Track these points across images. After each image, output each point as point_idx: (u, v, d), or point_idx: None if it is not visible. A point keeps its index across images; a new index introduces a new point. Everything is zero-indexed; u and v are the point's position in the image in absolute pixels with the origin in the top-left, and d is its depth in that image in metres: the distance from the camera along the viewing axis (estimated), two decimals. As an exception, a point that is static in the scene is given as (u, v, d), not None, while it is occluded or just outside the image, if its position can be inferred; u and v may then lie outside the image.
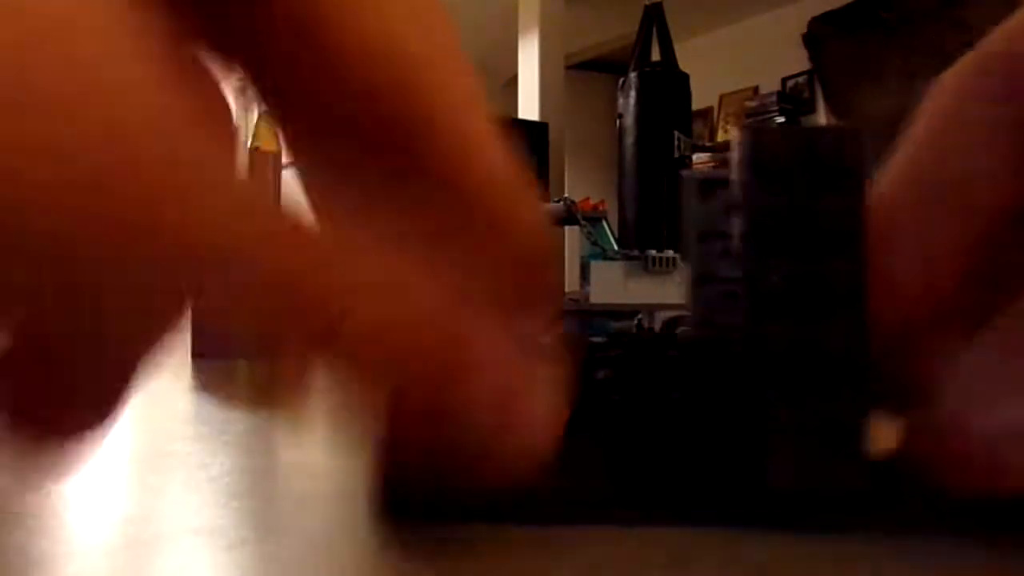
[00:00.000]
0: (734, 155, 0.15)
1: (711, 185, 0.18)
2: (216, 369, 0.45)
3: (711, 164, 3.80)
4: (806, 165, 0.15)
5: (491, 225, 0.12)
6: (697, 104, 2.99)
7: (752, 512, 0.14)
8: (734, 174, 0.15)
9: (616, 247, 0.51)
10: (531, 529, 0.15)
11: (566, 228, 2.97)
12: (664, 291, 0.52)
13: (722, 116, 3.97)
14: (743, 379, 0.15)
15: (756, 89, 3.75)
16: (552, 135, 3.05)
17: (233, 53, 0.13)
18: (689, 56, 2.97)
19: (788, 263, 0.15)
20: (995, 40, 0.16)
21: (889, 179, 0.16)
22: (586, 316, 1.42)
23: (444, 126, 0.12)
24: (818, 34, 3.43)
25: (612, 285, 0.56)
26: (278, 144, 0.58)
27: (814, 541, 0.14)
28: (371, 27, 0.11)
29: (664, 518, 0.15)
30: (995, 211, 0.15)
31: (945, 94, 0.16)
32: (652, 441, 0.15)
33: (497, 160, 0.12)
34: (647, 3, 2.64)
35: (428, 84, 0.11)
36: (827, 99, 3.43)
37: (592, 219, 0.53)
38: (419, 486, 0.14)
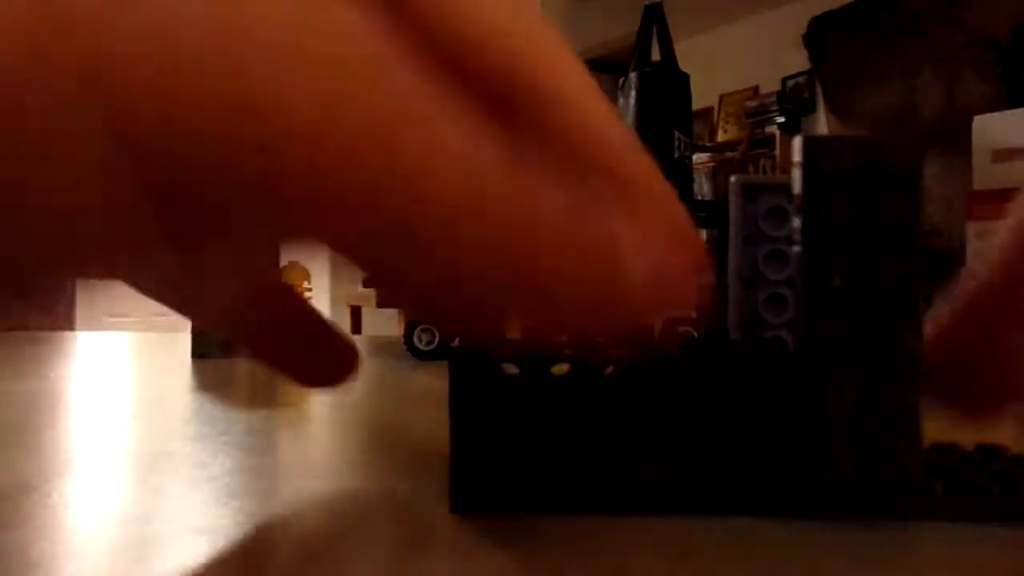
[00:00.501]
0: (795, 161, 0.16)
1: (757, 189, 0.19)
2: (216, 369, 0.45)
3: (711, 163, 3.80)
4: (868, 173, 0.15)
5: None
6: (697, 104, 2.98)
7: (812, 503, 0.15)
8: (795, 181, 0.16)
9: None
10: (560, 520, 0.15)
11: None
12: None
13: (722, 116, 3.97)
14: (799, 376, 0.16)
15: (756, 89, 3.75)
16: (552, 135, 3.05)
17: None
18: (689, 56, 2.97)
19: (850, 265, 0.16)
20: None
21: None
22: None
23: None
24: (818, 34, 3.43)
25: (612, 285, 0.56)
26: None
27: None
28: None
29: (727, 508, 0.15)
30: None
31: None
32: (715, 435, 0.16)
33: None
34: (647, 3, 2.64)
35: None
36: (827, 99, 3.43)
37: (592, 219, 0.53)
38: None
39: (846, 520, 0.15)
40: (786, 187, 0.17)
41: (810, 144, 0.16)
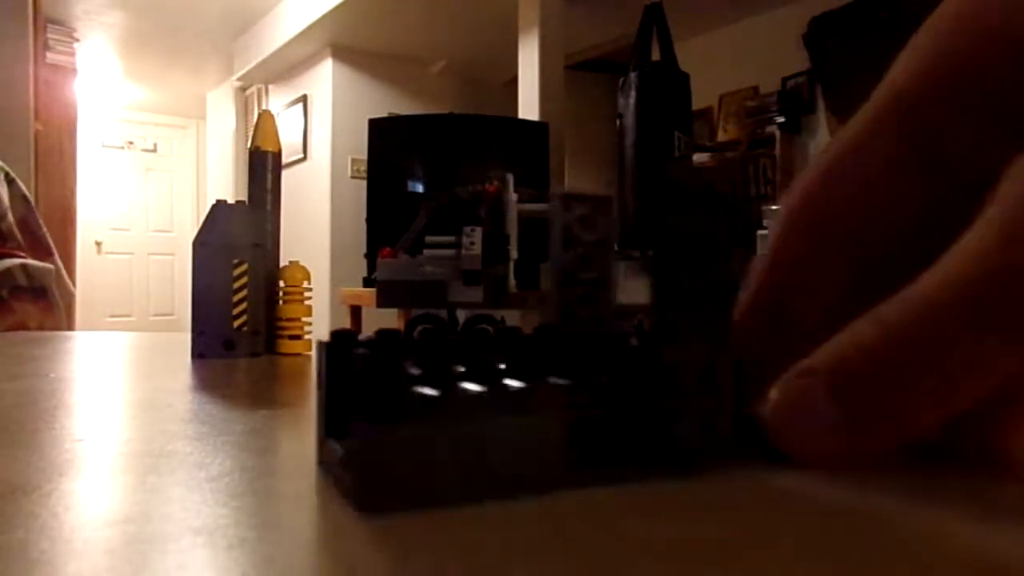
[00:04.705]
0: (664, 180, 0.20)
1: (574, 199, 0.22)
2: (216, 369, 0.45)
3: (711, 163, 3.80)
4: (705, 194, 0.19)
5: None
6: (697, 104, 2.98)
7: (666, 468, 0.18)
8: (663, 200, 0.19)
9: (616, 247, 0.51)
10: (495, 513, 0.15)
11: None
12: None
13: (722, 116, 3.97)
14: (655, 357, 0.19)
15: (756, 89, 3.75)
16: (552, 135, 3.05)
17: None
18: (689, 56, 2.97)
19: (690, 268, 0.19)
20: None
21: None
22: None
23: None
24: (818, 34, 3.43)
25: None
26: (278, 144, 0.58)
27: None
28: None
29: (599, 480, 0.18)
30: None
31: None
32: (594, 416, 0.18)
33: None
34: (647, 3, 2.63)
35: None
36: (827, 99, 3.43)
37: (592, 219, 0.53)
38: None
39: (688, 475, 0.18)
40: (596, 198, 0.21)
41: (671, 167, 0.20)
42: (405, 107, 4.27)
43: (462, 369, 0.18)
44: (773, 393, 0.17)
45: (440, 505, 0.16)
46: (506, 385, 0.17)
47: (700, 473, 0.18)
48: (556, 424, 0.17)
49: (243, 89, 5.22)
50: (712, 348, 0.19)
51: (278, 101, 4.75)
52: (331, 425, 0.19)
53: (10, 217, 0.99)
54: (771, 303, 0.20)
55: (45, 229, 1.06)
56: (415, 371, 0.17)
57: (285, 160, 1.51)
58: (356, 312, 2.65)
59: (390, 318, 2.34)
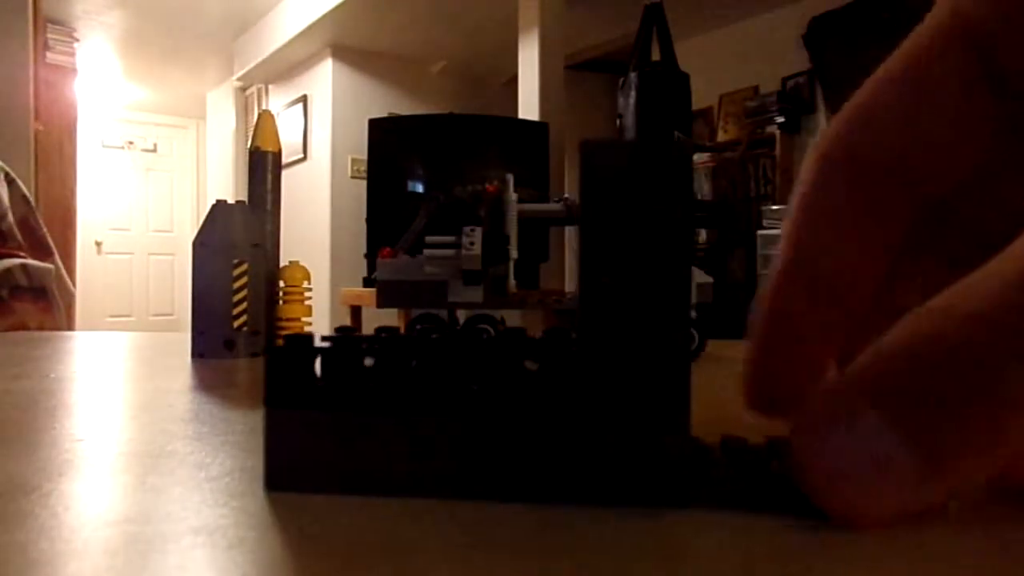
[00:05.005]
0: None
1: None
2: (216, 369, 0.45)
3: (711, 163, 3.80)
4: (636, 174, 0.16)
5: None
6: (697, 104, 2.98)
7: (588, 490, 0.16)
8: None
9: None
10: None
11: (566, 228, 2.98)
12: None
13: (722, 116, 3.97)
14: (580, 369, 0.16)
15: (756, 89, 3.75)
16: (552, 135, 3.05)
17: None
18: (689, 56, 2.97)
19: (619, 263, 0.16)
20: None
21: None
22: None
23: None
24: (818, 34, 3.43)
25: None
26: (278, 144, 0.58)
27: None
28: None
29: (508, 495, 0.16)
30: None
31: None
32: (506, 427, 0.17)
33: None
34: (647, 3, 2.63)
35: None
36: (827, 99, 3.43)
37: (592, 219, 0.53)
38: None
39: (621, 505, 0.16)
40: None
41: (585, 146, 0.16)
42: (405, 107, 4.27)
43: (372, 366, 0.17)
44: (797, 418, 0.13)
45: (335, 492, 0.17)
46: (410, 386, 0.17)
47: (633, 507, 0.16)
48: (448, 431, 0.17)
49: (243, 89, 5.21)
50: (636, 356, 0.16)
51: (278, 101, 4.75)
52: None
53: (10, 217, 0.99)
54: (806, 276, 0.15)
55: (45, 229, 1.06)
56: (325, 365, 0.17)
57: (285, 160, 1.51)
58: (356, 312, 2.65)
59: (390, 318, 2.34)
